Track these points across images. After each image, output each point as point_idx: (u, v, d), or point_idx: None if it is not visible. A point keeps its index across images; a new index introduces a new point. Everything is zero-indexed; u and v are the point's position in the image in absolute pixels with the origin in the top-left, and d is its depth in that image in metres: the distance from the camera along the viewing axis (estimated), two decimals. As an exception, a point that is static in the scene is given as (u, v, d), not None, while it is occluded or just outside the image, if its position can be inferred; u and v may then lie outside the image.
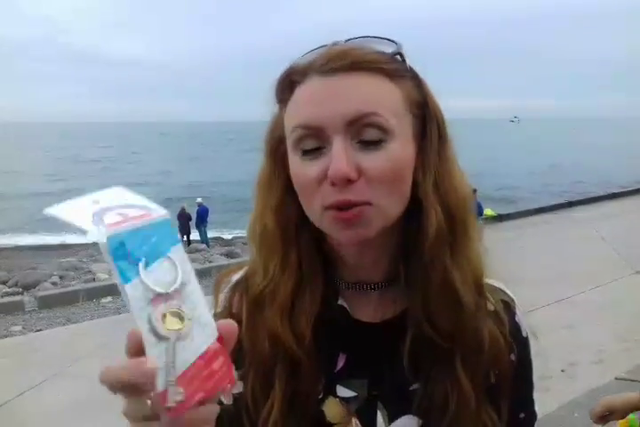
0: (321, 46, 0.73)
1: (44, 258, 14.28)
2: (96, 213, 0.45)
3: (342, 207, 0.67)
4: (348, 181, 0.65)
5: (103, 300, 8.73)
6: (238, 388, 0.77)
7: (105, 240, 0.42)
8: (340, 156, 0.65)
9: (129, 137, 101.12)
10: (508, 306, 0.82)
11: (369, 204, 0.67)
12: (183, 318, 0.45)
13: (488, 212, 14.01)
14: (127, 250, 0.43)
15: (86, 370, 5.69)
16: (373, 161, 0.67)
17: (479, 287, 0.77)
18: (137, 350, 0.44)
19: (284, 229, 0.76)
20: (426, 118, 0.73)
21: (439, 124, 0.74)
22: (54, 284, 10.88)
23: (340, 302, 0.79)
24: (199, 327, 0.46)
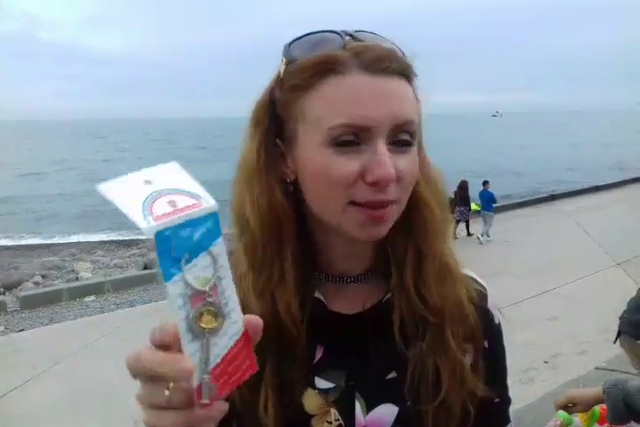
0: (324, 31, 0.72)
1: (25, 257, 14.11)
2: (146, 199, 0.44)
3: (374, 207, 0.69)
4: (389, 184, 0.68)
5: (87, 299, 8.65)
6: None
7: (153, 236, 0.42)
8: (387, 159, 0.67)
9: (112, 135, 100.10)
10: (481, 294, 0.86)
11: (396, 203, 0.71)
12: (217, 316, 0.46)
13: (473, 206, 14.11)
14: (172, 245, 0.43)
15: (70, 370, 5.66)
16: (405, 164, 0.70)
17: (462, 272, 0.84)
18: (167, 343, 0.45)
19: (268, 214, 0.75)
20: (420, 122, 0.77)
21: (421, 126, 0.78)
22: (36, 283, 10.75)
23: (317, 294, 0.80)
24: (229, 322, 0.47)
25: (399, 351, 0.78)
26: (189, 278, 0.44)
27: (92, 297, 8.69)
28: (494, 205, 11.93)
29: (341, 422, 0.77)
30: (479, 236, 11.25)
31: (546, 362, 5.38)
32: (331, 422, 0.77)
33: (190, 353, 0.45)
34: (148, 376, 0.46)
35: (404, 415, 0.77)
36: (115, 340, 6.31)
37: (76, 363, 5.83)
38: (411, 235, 0.78)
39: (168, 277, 0.43)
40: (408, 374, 0.77)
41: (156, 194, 0.45)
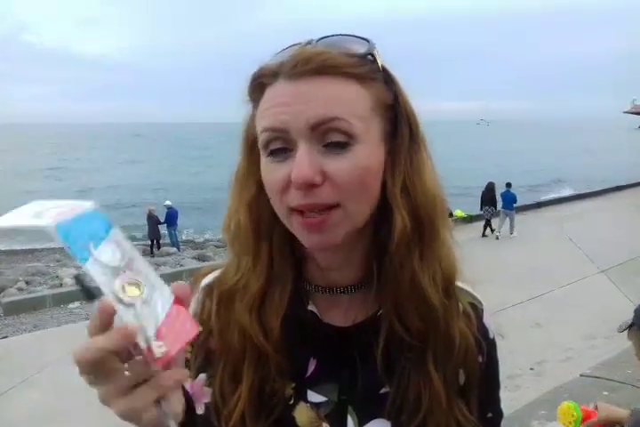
0: (293, 44, 0.72)
1: (8, 263, 13.94)
2: (36, 213, 0.50)
3: (308, 211, 0.67)
4: (312, 186, 0.65)
5: (71, 305, 8.56)
6: (208, 397, 0.78)
7: (54, 229, 0.47)
8: (303, 160, 0.65)
9: (101, 139, 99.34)
10: (476, 308, 0.83)
11: (337, 206, 0.67)
12: (140, 286, 0.52)
13: (458, 213, 14.20)
14: (75, 235, 0.49)
15: (54, 377, 5.58)
16: (338, 165, 0.66)
17: (449, 287, 0.77)
18: (107, 325, 0.49)
19: (256, 225, 0.76)
20: (397, 119, 0.73)
21: (411, 124, 0.74)
22: (20, 289, 10.61)
23: (310, 307, 0.79)
24: (156, 292, 0.53)
25: (393, 366, 0.76)
26: (102, 260, 0.50)
27: (77, 303, 8.60)
28: (515, 205, 13.04)
29: None
30: (498, 233, 12.60)
31: (531, 369, 5.41)
32: None
33: (128, 321, 0.49)
34: (100, 361, 0.49)
35: None
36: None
37: (60, 370, 5.74)
38: (387, 249, 0.73)
39: (83, 259, 0.49)
40: (390, 394, 0.76)
41: (40, 211, 0.51)
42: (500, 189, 13.34)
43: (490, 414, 0.84)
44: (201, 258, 13.74)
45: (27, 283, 11.19)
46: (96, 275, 0.49)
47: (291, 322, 0.75)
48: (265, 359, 0.74)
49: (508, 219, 12.70)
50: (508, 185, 13.16)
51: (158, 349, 0.50)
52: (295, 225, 0.69)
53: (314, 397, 0.77)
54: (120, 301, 0.49)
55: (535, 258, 9.77)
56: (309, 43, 0.72)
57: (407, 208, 0.71)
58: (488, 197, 12.96)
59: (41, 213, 0.50)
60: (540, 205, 16.25)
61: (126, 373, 0.51)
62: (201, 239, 19.22)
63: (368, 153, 0.68)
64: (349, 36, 0.72)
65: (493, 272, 8.51)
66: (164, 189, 32.10)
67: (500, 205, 12.96)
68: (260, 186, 0.75)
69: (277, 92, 0.68)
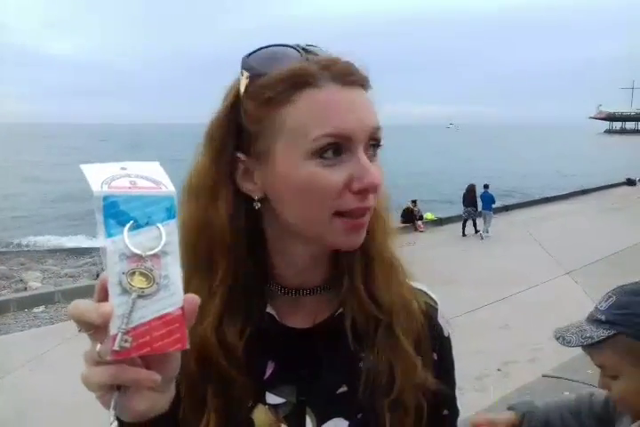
0: (285, 45, 0.73)
1: (-29, 266, 13.54)
2: (112, 176, 0.50)
3: (358, 215, 0.71)
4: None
5: (36, 309, 8.35)
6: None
7: (101, 197, 0.47)
8: (371, 166, 0.69)
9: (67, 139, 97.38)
10: (431, 308, 0.87)
11: (370, 210, 0.73)
12: (151, 280, 0.50)
13: (428, 215, 14.38)
14: (118, 210, 0.48)
15: (19, 383, 5.45)
16: (379, 171, 0.71)
17: (409, 283, 0.85)
18: (103, 298, 0.50)
19: (219, 240, 0.74)
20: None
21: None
22: (-18, 293, 10.34)
23: (269, 309, 0.79)
24: (165, 293, 0.51)
25: (350, 365, 0.78)
26: (129, 242, 0.49)
27: (42, 308, 8.39)
28: (493, 205, 13.48)
29: None
30: (482, 233, 12.79)
31: (499, 370, 5.48)
32: None
33: (115, 304, 0.49)
34: (81, 324, 0.50)
35: None
36: (65, 352, 6.10)
37: (25, 376, 5.62)
38: (366, 246, 0.78)
39: (109, 235, 0.48)
40: (362, 381, 0.77)
41: (123, 174, 0.51)
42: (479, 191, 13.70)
43: (446, 412, 0.86)
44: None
45: (-11, 287, 10.89)
46: (110, 253, 0.48)
47: (249, 327, 0.76)
48: (229, 383, 0.74)
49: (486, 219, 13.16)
50: (486, 186, 13.60)
51: (121, 342, 0.49)
52: (340, 227, 0.71)
53: (272, 398, 0.77)
54: (120, 284, 0.49)
55: (504, 260, 9.94)
56: (308, 48, 0.73)
57: (380, 205, 0.78)
58: (469, 197, 13.35)
59: (115, 179, 0.50)
60: (507, 208, 16.52)
61: (98, 346, 0.51)
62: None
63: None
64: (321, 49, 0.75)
65: (464, 274, 8.63)
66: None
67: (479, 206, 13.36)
68: (223, 190, 0.74)
69: (332, 97, 0.69)
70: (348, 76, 0.70)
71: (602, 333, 1.21)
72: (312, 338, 0.79)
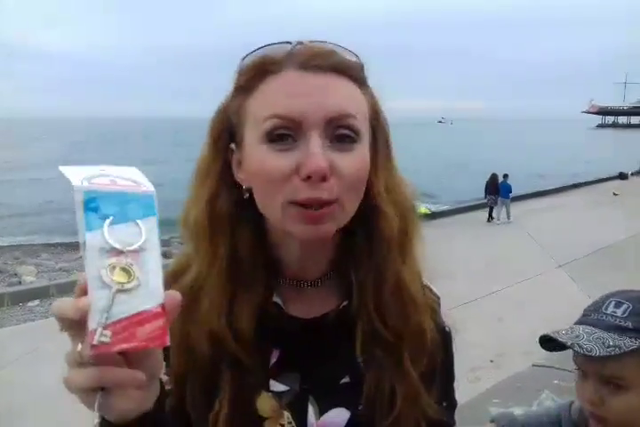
0: (282, 42, 0.73)
1: (-36, 261, 13.48)
2: (93, 175, 0.50)
3: (311, 206, 0.68)
4: (323, 179, 0.67)
5: (30, 304, 8.33)
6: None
7: (81, 191, 0.48)
8: (320, 152, 0.66)
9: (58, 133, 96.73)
10: (435, 305, 0.87)
11: (336, 202, 0.69)
12: (131, 275, 0.49)
13: (422, 209, 14.36)
14: (98, 205, 0.49)
15: (13, 378, 5.45)
16: (346, 161, 0.69)
17: (422, 285, 0.83)
18: (82, 293, 0.49)
19: (214, 221, 0.75)
20: (377, 126, 0.77)
21: (387, 132, 0.79)
22: (-24, 288, 10.30)
23: (275, 298, 0.80)
24: (145, 289, 0.50)
25: (354, 357, 0.79)
26: (109, 237, 0.49)
27: (37, 302, 8.38)
28: (510, 194, 14.19)
29: (294, 425, 0.77)
30: (498, 220, 13.80)
31: (491, 361, 5.53)
32: (283, 425, 0.77)
33: (95, 298, 0.48)
34: (61, 321, 0.50)
35: (356, 420, 0.78)
36: (59, 346, 6.08)
37: (19, 370, 5.61)
38: (371, 250, 0.77)
39: (89, 228, 0.48)
40: (365, 387, 0.78)
41: (103, 174, 0.52)
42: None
43: (444, 404, 0.87)
44: (165, 255, 13.57)
45: (-17, 281, 10.85)
46: (89, 247, 0.48)
47: (257, 314, 0.76)
48: (240, 367, 0.75)
49: (504, 206, 13.85)
50: (505, 176, 14.34)
51: (100, 336, 0.48)
52: (292, 215, 0.69)
53: (276, 386, 0.78)
54: (99, 278, 0.48)
55: (496, 254, 9.98)
56: (301, 43, 0.73)
57: (392, 206, 0.76)
58: (491, 186, 14.04)
59: (94, 177, 0.50)
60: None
61: (79, 346, 0.50)
62: (166, 237, 18.95)
63: (365, 153, 0.72)
64: (339, 46, 0.74)
65: (458, 267, 8.66)
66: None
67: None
68: (221, 179, 0.75)
69: (290, 80, 0.69)
70: (312, 61, 0.69)
71: (630, 342, 1.09)
72: (317, 328, 0.80)
